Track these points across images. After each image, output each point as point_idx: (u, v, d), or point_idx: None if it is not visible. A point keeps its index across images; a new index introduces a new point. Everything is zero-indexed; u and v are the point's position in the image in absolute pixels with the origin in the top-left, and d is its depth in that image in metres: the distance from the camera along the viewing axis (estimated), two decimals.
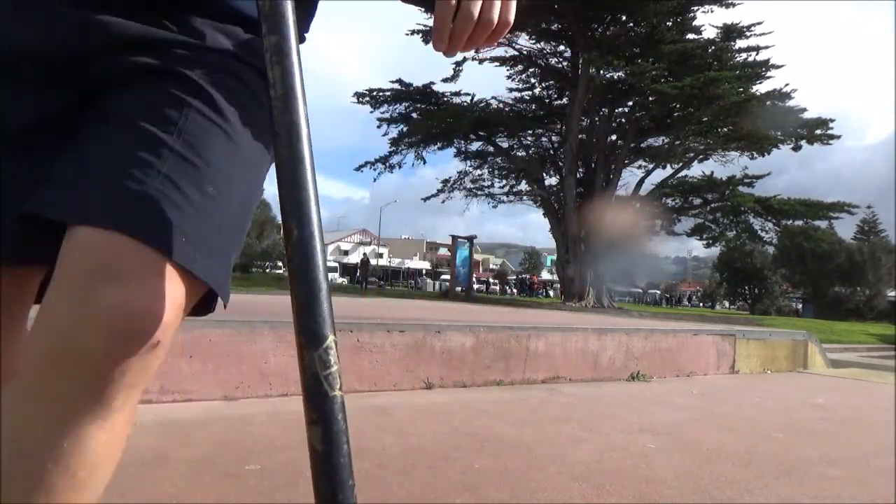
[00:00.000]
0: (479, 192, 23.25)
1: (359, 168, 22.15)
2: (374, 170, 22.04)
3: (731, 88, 17.59)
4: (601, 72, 18.86)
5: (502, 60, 21.42)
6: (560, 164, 21.45)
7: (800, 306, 43.77)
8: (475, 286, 44.65)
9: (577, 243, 20.31)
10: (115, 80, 0.64)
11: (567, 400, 3.19)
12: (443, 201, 23.54)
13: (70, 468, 0.53)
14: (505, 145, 22.47)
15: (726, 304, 59.97)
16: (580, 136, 20.60)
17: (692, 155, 21.31)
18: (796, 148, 20.12)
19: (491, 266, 76.80)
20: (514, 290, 49.64)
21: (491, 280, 55.39)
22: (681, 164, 21.44)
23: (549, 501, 1.63)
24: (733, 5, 19.22)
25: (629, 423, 2.70)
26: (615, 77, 19.23)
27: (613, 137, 21.85)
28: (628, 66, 17.91)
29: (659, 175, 21.99)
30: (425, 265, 66.60)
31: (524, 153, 22.76)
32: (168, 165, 0.58)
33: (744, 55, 19.55)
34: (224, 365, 2.60)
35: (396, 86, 21.17)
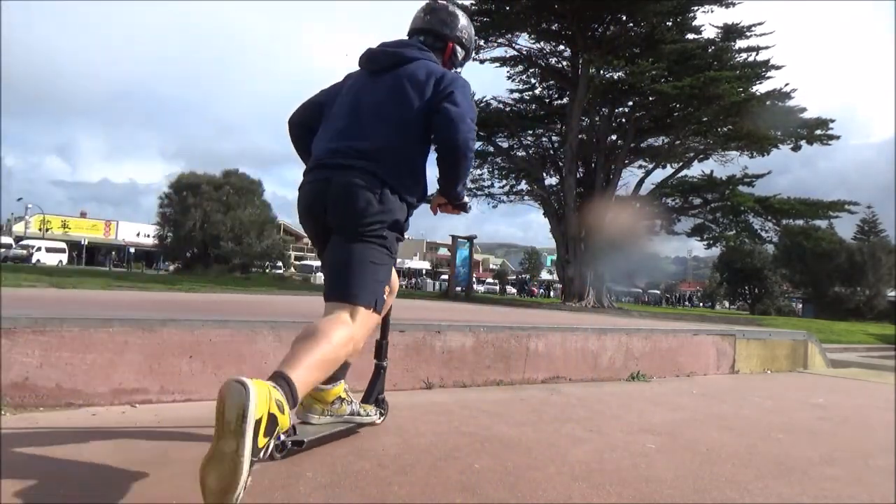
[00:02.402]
0: (479, 192, 23.24)
1: None
2: None
3: (731, 88, 17.58)
4: (601, 72, 18.85)
5: (502, 60, 21.39)
6: (560, 164, 21.43)
7: (800, 306, 43.74)
8: (481, 288, 44.66)
9: (577, 243, 20.30)
10: None
11: (567, 400, 3.19)
12: None
13: None
14: (505, 145, 22.44)
15: (726, 304, 59.96)
16: (580, 136, 20.58)
17: (692, 155, 21.30)
18: (796, 148, 20.11)
19: (491, 266, 76.76)
20: (514, 291, 49.76)
21: (489, 280, 55.42)
22: (681, 163, 21.43)
23: (548, 501, 1.63)
24: (733, 5, 19.21)
25: (629, 423, 2.70)
26: (615, 77, 19.22)
27: (613, 137, 21.83)
28: (628, 66, 17.90)
29: (659, 175, 21.99)
30: (425, 265, 66.56)
31: (524, 153, 22.73)
32: None
33: (744, 55, 19.54)
34: (224, 365, 2.60)
35: None
